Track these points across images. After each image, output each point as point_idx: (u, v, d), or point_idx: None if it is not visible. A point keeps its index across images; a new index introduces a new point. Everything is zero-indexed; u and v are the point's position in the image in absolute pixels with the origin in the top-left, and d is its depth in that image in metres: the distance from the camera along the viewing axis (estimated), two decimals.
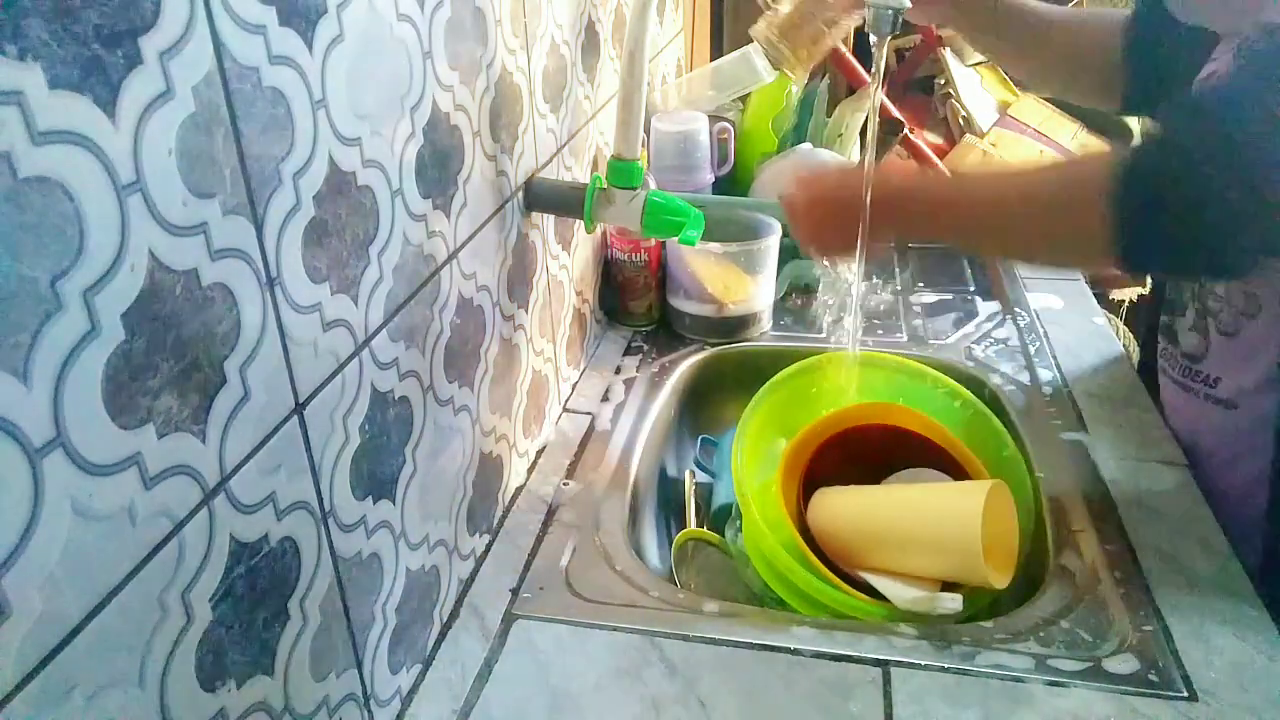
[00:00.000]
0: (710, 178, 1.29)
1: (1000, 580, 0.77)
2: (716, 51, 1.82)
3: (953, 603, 0.75)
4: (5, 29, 0.34)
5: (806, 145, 1.34)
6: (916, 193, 0.82)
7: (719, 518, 1.00)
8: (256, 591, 0.51)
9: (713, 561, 0.94)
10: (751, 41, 1.43)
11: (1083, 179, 0.72)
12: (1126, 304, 1.85)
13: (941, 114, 1.91)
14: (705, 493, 1.04)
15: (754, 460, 0.90)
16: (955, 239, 0.93)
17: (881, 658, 0.72)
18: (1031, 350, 1.13)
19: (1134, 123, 2.00)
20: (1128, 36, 0.95)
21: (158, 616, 0.44)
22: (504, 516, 0.88)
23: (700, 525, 0.99)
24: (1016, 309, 1.23)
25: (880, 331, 1.20)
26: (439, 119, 0.68)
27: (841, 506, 0.87)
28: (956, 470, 0.89)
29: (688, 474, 1.05)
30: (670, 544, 0.96)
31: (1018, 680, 0.70)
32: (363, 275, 0.60)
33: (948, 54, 1.94)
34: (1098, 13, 1.01)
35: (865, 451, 0.90)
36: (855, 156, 1.30)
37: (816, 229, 0.84)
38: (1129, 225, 0.69)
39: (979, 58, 2.01)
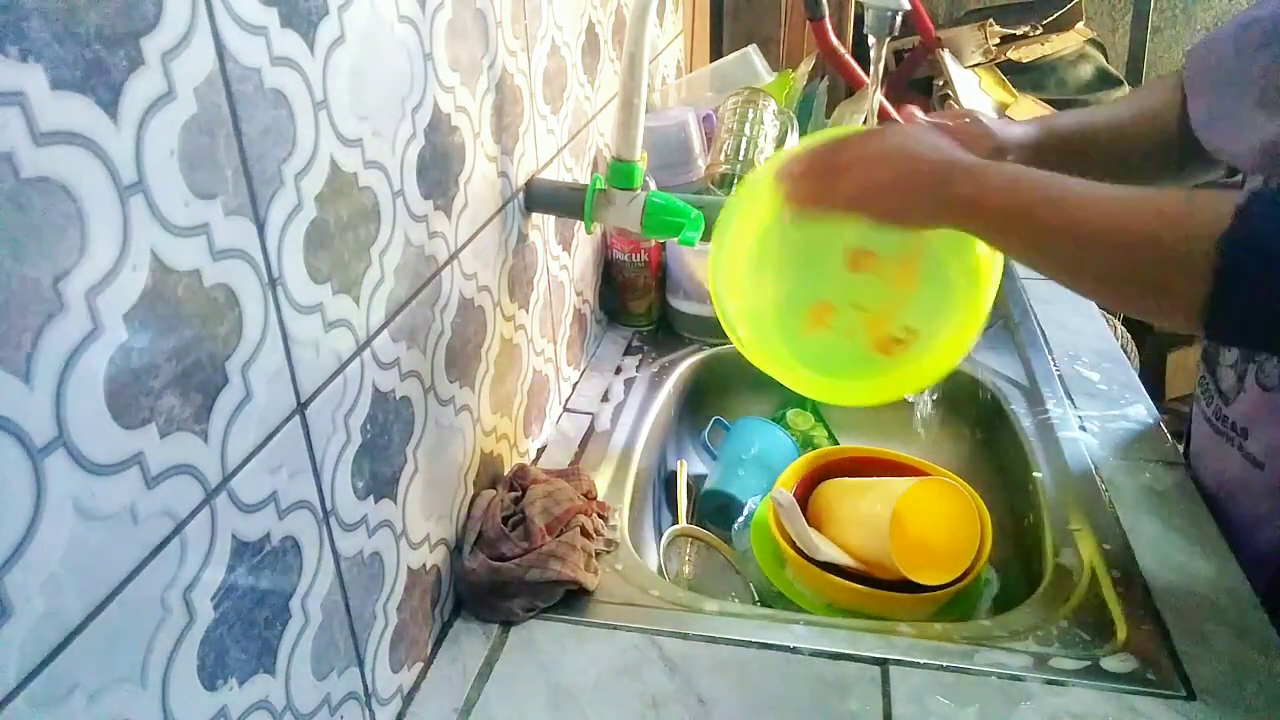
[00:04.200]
0: (702, 172, 1.29)
1: (923, 577, 0.78)
2: (716, 53, 1.82)
3: None
4: (7, 30, 0.34)
5: None
6: (1006, 190, 0.68)
7: (706, 501, 1.01)
8: (258, 590, 0.51)
9: (703, 557, 0.94)
10: (751, 43, 1.44)
11: (1199, 215, 0.61)
12: None
13: None
14: (698, 485, 1.05)
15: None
16: (1025, 250, 0.74)
17: (880, 656, 0.72)
18: (1029, 350, 1.14)
19: None
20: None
21: (160, 616, 0.44)
22: None
23: (690, 514, 1.00)
24: (1014, 309, 1.24)
25: None
26: (440, 120, 0.69)
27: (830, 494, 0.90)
28: None
29: (679, 464, 1.05)
30: None
31: (1016, 679, 0.70)
32: (364, 276, 0.60)
33: (946, 55, 1.94)
34: (1140, 105, 0.89)
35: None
36: None
37: (871, 179, 0.70)
38: (1229, 281, 0.58)
39: (978, 58, 2.02)
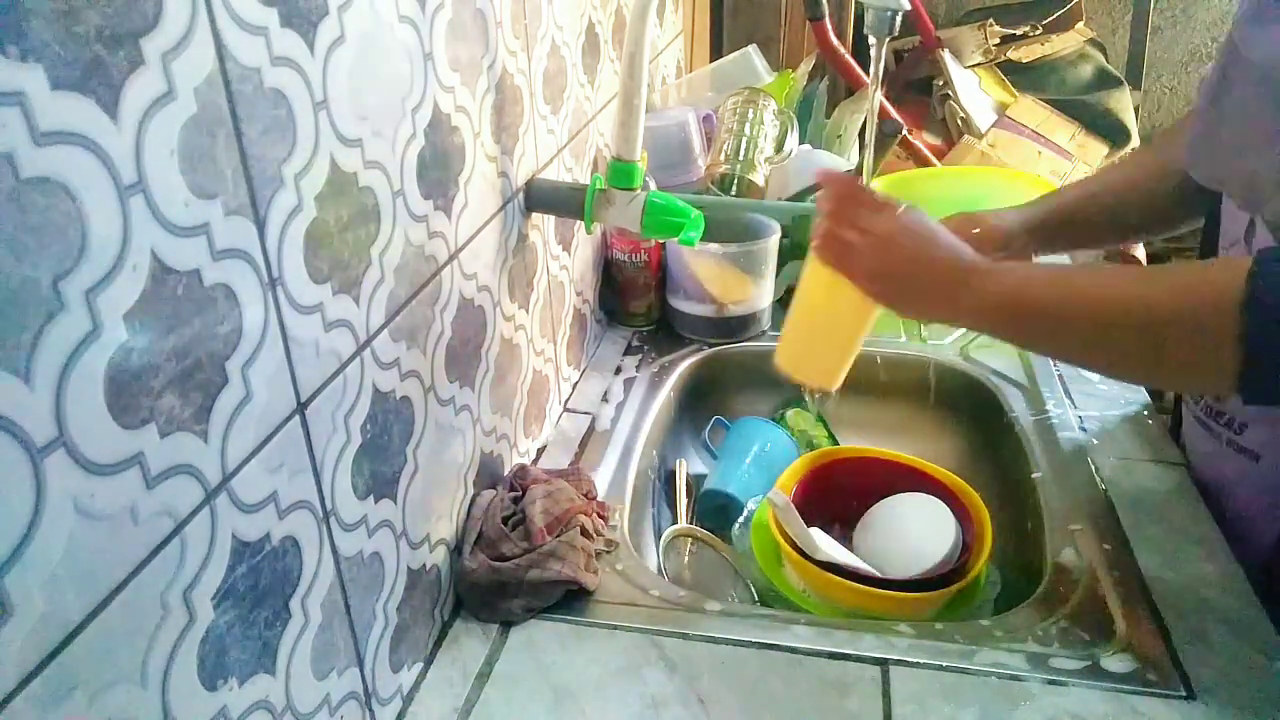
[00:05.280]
0: (702, 172, 1.29)
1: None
2: (716, 53, 1.82)
3: None
4: (7, 30, 0.34)
5: (806, 146, 1.35)
6: (1018, 291, 0.69)
7: (706, 501, 1.01)
8: (258, 590, 0.51)
9: (704, 557, 0.94)
10: (751, 43, 1.44)
11: (1216, 286, 0.62)
12: None
13: (940, 115, 1.91)
14: (698, 485, 1.05)
15: None
16: (1046, 344, 0.77)
17: (880, 656, 0.72)
18: (1029, 351, 1.13)
19: (1132, 124, 2.01)
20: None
21: (160, 615, 0.44)
22: None
23: (690, 514, 1.00)
24: None
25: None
26: (440, 120, 0.69)
27: None
28: (948, 496, 0.90)
29: (679, 463, 1.05)
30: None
31: (1016, 679, 0.70)
32: (364, 276, 0.60)
33: (946, 55, 1.94)
34: (1133, 169, 0.93)
35: (865, 479, 0.94)
36: (854, 158, 1.30)
37: (886, 265, 0.72)
38: (1258, 346, 0.59)
39: (978, 58, 2.02)
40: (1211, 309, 0.61)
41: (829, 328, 0.78)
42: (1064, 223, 0.90)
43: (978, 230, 0.86)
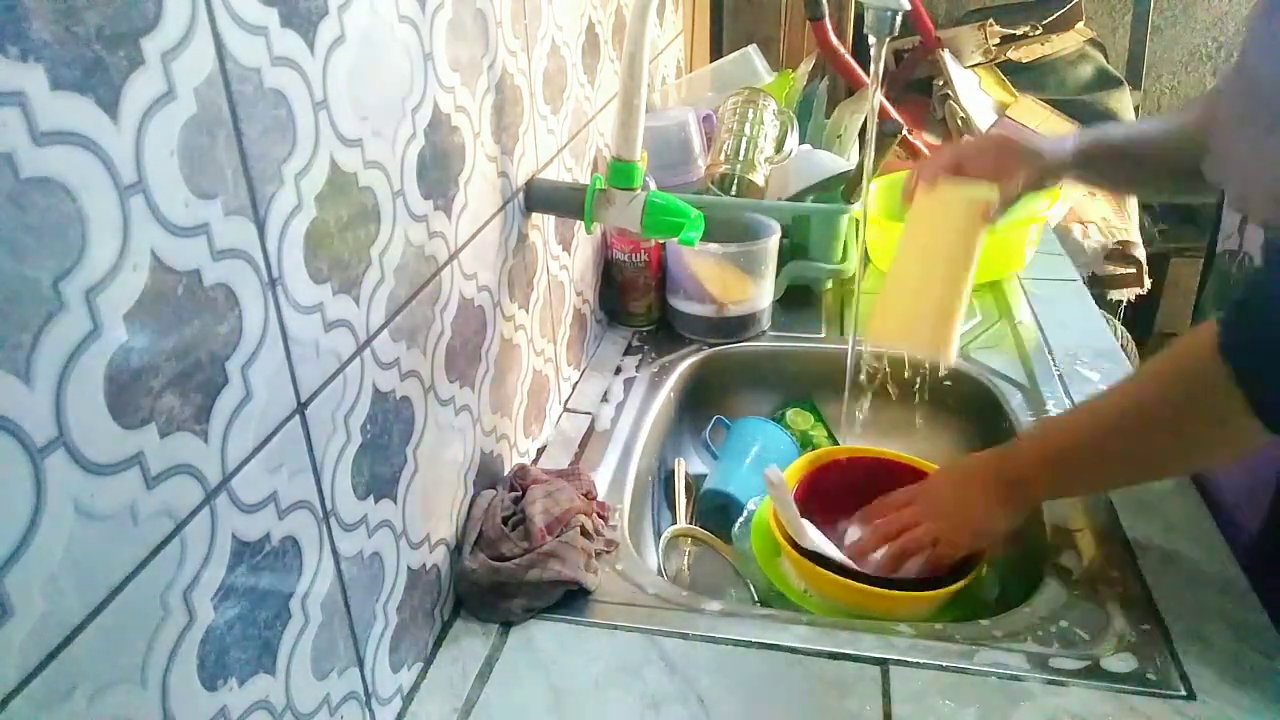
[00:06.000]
0: (702, 172, 1.29)
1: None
2: (716, 53, 1.82)
3: None
4: (7, 30, 0.34)
5: (806, 146, 1.35)
6: (1039, 464, 0.77)
7: (706, 501, 1.01)
8: (258, 590, 0.51)
9: (704, 557, 0.94)
10: (751, 43, 1.44)
11: (1191, 353, 0.65)
12: (1124, 304, 1.85)
13: (940, 115, 1.91)
14: (698, 484, 1.05)
15: None
16: (1088, 487, 0.85)
17: (880, 656, 0.72)
18: (1029, 350, 1.14)
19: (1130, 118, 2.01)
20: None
21: (160, 616, 0.44)
22: None
23: (690, 514, 1.00)
24: (1015, 308, 1.24)
25: None
26: (440, 120, 0.69)
27: None
28: None
29: (678, 462, 1.05)
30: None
31: (1016, 679, 0.70)
32: (364, 276, 0.60)
33: (946, 55, 1.94)
34: (1187, 116, 0.91)
35: (865, 479, 0.93)
36: (854, 158, 1.30)
37: (946, 515, 0.81)
38: (1253, 375, 0.61)
39: (978, 58, 2.02)
40: (1197, 373, 0.64)
41: (931, 294, 0.84)
42: (1112, 156, 0.92)
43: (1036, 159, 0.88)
